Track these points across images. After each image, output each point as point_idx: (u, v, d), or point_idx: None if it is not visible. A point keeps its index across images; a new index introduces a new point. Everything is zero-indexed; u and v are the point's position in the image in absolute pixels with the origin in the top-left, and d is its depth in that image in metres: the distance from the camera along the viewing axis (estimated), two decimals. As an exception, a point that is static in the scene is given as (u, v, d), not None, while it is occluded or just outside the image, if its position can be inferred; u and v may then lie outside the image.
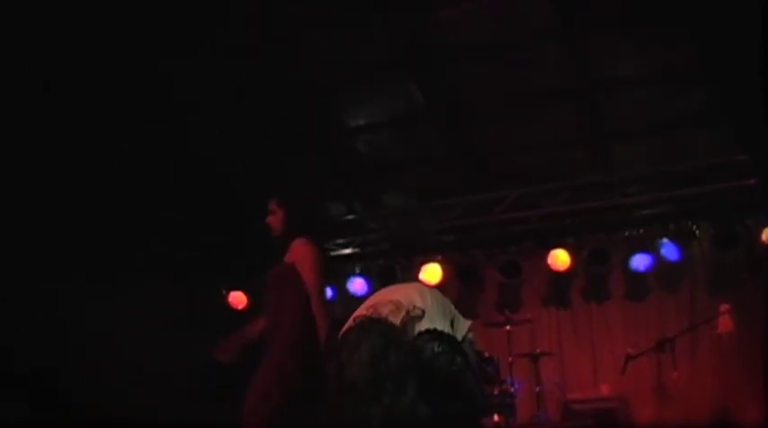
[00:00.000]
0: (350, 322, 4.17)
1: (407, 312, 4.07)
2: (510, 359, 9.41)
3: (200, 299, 11.36)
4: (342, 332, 4.23)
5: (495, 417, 8.78)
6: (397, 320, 4.02)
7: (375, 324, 4.01)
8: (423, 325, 4.05)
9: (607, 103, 9.47)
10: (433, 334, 3.96)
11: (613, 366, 9.91)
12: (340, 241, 11.55)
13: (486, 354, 9.02)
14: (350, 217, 11.41)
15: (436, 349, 3.88)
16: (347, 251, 11.48)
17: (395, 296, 4.29)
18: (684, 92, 8.95)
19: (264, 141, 9.75)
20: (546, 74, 9.02)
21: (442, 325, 4.01)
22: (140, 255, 9.77)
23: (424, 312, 4.02)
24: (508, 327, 9.59)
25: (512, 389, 9.00)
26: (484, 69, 9.10)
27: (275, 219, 6.26)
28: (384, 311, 4.08)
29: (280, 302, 6.02)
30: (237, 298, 11.84)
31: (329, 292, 11.19)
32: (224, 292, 11.82)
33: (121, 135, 8.90)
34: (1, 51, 7.42)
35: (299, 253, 6.03)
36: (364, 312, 4.18)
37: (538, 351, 9.64)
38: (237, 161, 9.96)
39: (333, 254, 11.61)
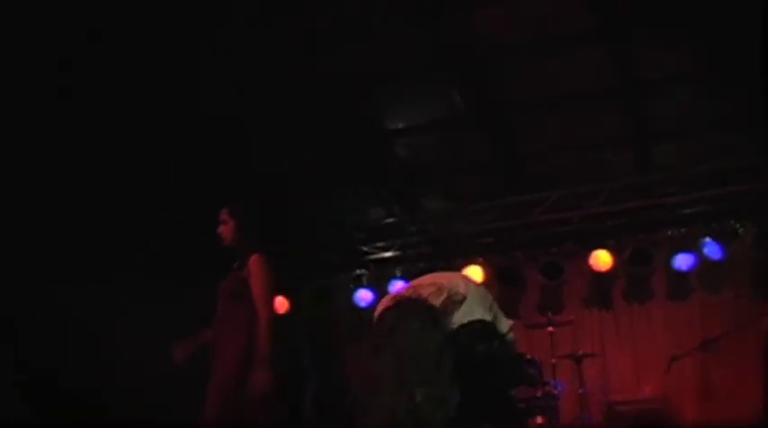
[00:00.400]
0: (389, 301, 4.20)
1: (449, 296, 4.12)
2: (553, 360, 9.38)
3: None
4: (379, 311, 4.25)
5: (539, 419, 8.74)
6: (437, 302, 4.07)
7: (414, 304, 4.06)
8: (464, 315, 4.10)
9: (649, 103, 9.41)
10: (473, 323, 4.00)
11: (656, 367, 9.85)
12: (380, 244, 11.58)
13: (529, 356, 8.99)
14: (390, 220, 11.42)
15: (474, 336, 3.92)
16: (388, 254, 11.50)
17: (438, 280, 4.35)
18: (726, 91, 8.88)
19: (304, 149, 9.77)
20: (587, 74, 8.97)
21: (482, 315, 4.05)
22: (176, 261, 9.83)
23: (465, 298, 4.07)
24: (550, 329, 9.55)
25: (555, 391, 8.96)
26: (524, 70, 9.08)
27: (226, 229, 6.29)
28: (425, 293, 4.14)
29: (229, 315, 6.04)
30: (279, 303, 11.90)
31: (370, 295, 11.25)
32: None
33: (151, 137, 8.97)
34: (18, 55, 7.48)
35: (253, 269, 6.05)
36: (405, 293, 4.23)
37: (580, 352, 9.59)
38: (278, 168, 9.99)
39: (373, 257, 11.65)
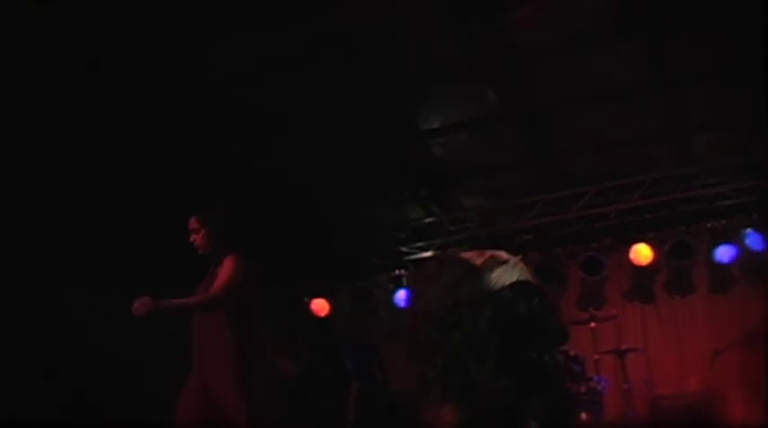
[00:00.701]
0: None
1: (491, 256, 4.17)
2: (596, 356, 9.35)
3: (285, 308, 11.49)
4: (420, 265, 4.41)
5: (584, 415, 8.73)
6: (478, 261, 4.13)
7: (452, 259, 4.13)
8: (505, 274, 4.16)
9: (687, 95, 9.34)
10: (515, 284, 4.07)
11: (700, 360, 9.82)
12: (419, 244, 11.59)
13: (572, 353, 8.99)
14: (429, 220, 11.43)
15: (516, 295, 3.98)
16: (427, 254, 11.50)
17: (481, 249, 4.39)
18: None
19: (340, 150, 9.79)
20: (623, 68, 8.92)
21: (525, 277, 4.10)
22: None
23: (507, 261, 4.12)
24: (593, 324, 9.53)
25: (599, 387, 8.95)
26: (560, 66, 9.04)
27: (198, 238, 6.19)
28: (465, 254, 4.20)
29: (210, 317, 5.94)
30: (320, 305, 11.97)
31: (404, 295, 11.30)
32: (306, 300, 11.94)
33: (203, 148, 9.04)
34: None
35: (225, 264, 6.00)
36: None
37: (623, 347, 9.55)
38: (316, 171, 10.02)
39: (412, 257, 11.66)
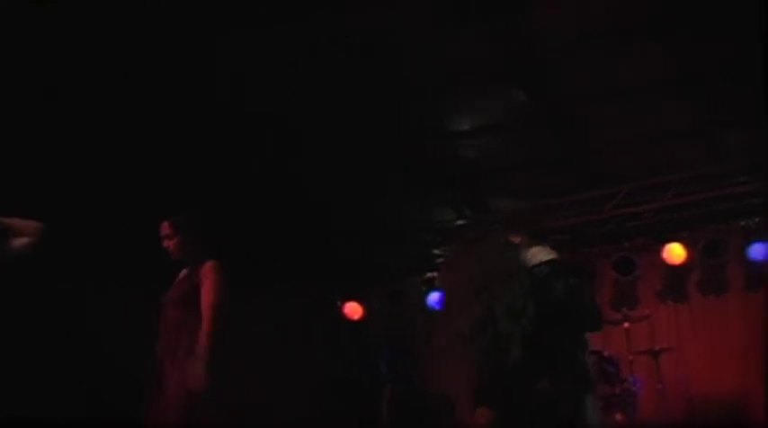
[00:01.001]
0: None
1: (527, 236, 4.25)
2: (630, 357, 9.34)
3: (317, 311, 11.52)
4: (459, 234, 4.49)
5: (618, 416, 8.71)
6: (515, 240, 4.21)
7: (493, 233, 4.23)
8: (541, 253, 4.24)
9: (717, 93, 9.28)
10: (550, 261, 4.14)
11: (735, 359, 9.77)
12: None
13: (606, 353, 8.97)
14: (460, 222, 11.43)
15: (551, 272, 4.05)
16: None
17: None
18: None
19: (371, 153, 9.81)
20: (653, 67, 8.88)
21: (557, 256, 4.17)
22: (258, 270, 9.91)
23: (542, 242, 4.19)
24: (626, 325, 9.52)
25: (633, 388, 8.92)
26: (588, 65, 9.01)
27: (171, 243, 6.18)
28: (503, 233, 4.29)
29: (183, 323, 5.94)
30: (353, 309, 11.99)
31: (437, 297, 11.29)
32: (339, 303, 11.97)
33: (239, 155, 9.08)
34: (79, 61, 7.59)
35: (205, 275, 5.99)
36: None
37: (657, 347, 9.52)
38: (347, 174, 10.04)
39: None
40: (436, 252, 11.71)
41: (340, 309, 11.96)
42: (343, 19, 7.87)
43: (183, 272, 6.20)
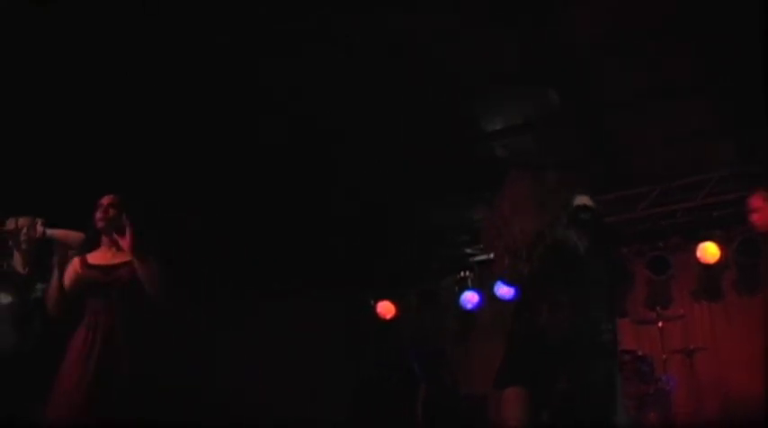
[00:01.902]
0: None
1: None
2: (664, 356, 9.30)
3: (351, 311, 11.57)
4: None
5: (652, 415, 8.69)
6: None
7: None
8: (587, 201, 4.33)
9: (747, 92, 9.25)
10: (585, 208, 4.25)
11: (771, 358, 9.71)
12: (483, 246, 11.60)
13: (640, 353, 8.95)
14: (492, 221, 11.41)
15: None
16: (492, 255, 11.49)
17: None
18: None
19: (403, 153, 9.84)
20: (683, 66, 8.87)
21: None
22: (293, 272, 9.98)
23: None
24: (660, 324, 9.48)
25: (667, 387, 8.90)
26: (620, 65, 9.01)
27: (106, 217, 5.92)
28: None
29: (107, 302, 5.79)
30: (386, 308, 12.03)
31: (476, 297, 11.31)
32: (372, 303, 12.01)
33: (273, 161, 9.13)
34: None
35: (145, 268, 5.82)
36: None
37: (692, 346, 9.49)
38: (379, 175, 10.08)
39: (477, 258, 11.67)
40: (469, 251, 11.71)
41: (373, 309, 11.99)
42: (379, 20, 7.92)
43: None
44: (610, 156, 10.35)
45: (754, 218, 6.67)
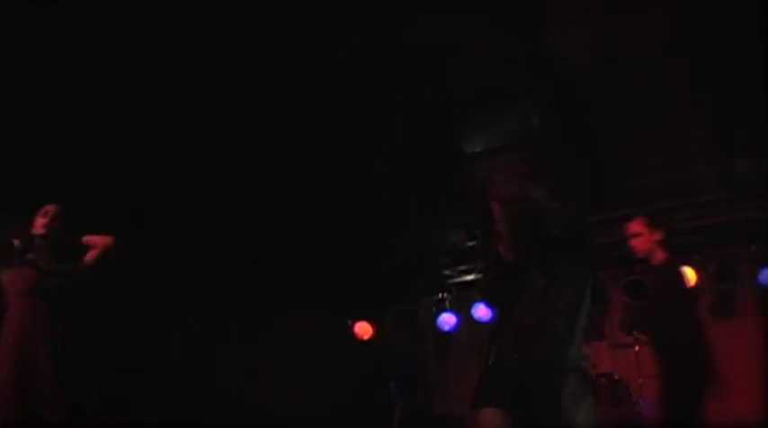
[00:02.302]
0: None
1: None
2: (639, 380, 9.31)
3: (329, 330, 11.54)
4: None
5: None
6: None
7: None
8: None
9: (732, 117, 9.34)
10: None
11: (748, 382, 9.74)
12: (462, 268, 11.61)
13: (616, 376, 8.97)
14: (471, 244, 11.45)
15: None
16: (470, 277, 11.52)
17: None
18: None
19: (386, 173, 9.85)
20: (669, 91, 8.95)
21: None
22: (272, 289, 9.95)
23: None
24: (637, 348, 9.49)
25: (643, 411, 8.91)
26: (606, 88, 9.09)
27: (48, 224, 6.29)
28: None
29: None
30: (363, 329, 12.00)
31: (453, 319, 11.31)
32: (350, 323, 11.99)
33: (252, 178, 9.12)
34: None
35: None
36: None
37: (667, 372, 9.48)
38: (361, 195, 10.08)
39: (456, 280, 11.68)
40: (447, 273, 11.72)
41: (350, 329, 11.97)
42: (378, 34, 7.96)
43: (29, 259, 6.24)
44: (591, 180, 10.39)
45: (634, 242, 6.73)
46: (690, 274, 10.25)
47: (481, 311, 11.11)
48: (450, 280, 11.77)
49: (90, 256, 6.33)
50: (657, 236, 6.70)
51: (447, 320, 11.56)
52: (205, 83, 8.06)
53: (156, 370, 8.79)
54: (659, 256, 6.74)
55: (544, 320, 4.35)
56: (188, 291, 9.33)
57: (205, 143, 8.68)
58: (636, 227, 6.78)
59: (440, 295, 11.82)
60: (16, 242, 6.20)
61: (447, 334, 11.64)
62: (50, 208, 6.30)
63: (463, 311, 11.37)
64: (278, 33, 7.78)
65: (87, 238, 6.37)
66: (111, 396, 8.46)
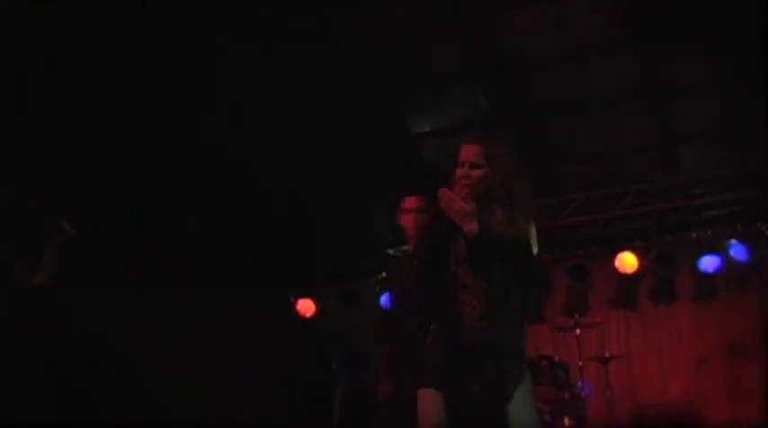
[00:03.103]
0: None
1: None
2: (579, 363, 9.43)
3: (273, 308, 11.51)
4: None
5: (566, 421, 8.79)
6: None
7: None
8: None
9: (676, 106, 9.46)
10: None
11: (683, 368, 9.93)
12: (406, 247, 11.59)
13: (557, 359, 9.06)
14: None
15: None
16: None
17: None
18: (754, 94, 8.91)
19: (331, 152, 9.84)
20: (615, 78, 9.03)
21: None
22: (213, 268, 9.91)
23: None
24: (578, 331, 9.60)
25: (582, 393, 9.03)
26: (552, 74, 9.14)
27: None
28: None
29: None
30: (306, 306, 11.99)
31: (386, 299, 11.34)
32: (292, 300, 11.96)
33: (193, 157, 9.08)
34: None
35: None
36: None
37: (607, 354, 9.61)
38: (306, 172, 10.05)
39: (398, 264, 11.69)
40: (391, 252, 11.73)
41: (293, 306, 11.94)
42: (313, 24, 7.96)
43: None
44: (536, 164, 10.45)
45: (403, 219, 6.19)
46: (631, 260, 10.41)
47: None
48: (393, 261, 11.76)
49: None
50: None
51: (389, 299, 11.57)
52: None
53: (97, 357, 8.72)
54: None
55: (488, 302, 4.40)
56: (129, 273, 9.26)
57: (140, 129, 8.63)
58: (409, 203, 6.25)
59: (383, 274, 11.81)
60: None
61: (389, 312, 11.65)
62: None
63: (403, 293, 11.39)
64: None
65: None
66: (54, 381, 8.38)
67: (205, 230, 10.00)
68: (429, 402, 4.39)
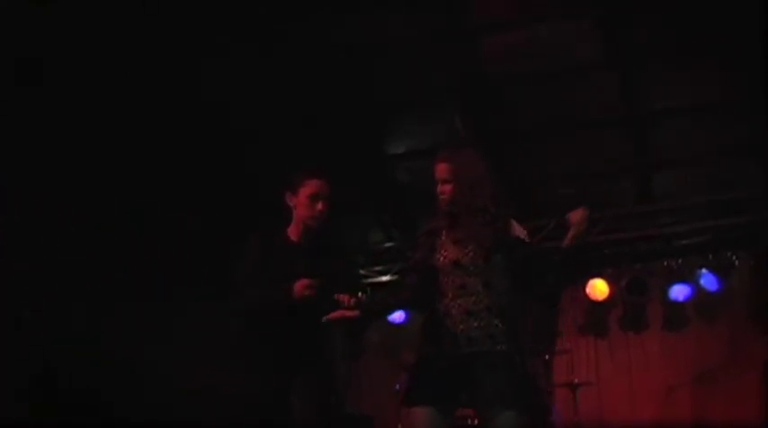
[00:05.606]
0: None
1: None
2: (548, 389, 9.40)
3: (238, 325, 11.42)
4: None
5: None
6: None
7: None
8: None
9: (649, 133, 9.48)
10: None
11: (652, 396, 9.92)
12: (378, 268, 11.59)
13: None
14: (388, 244, 11.45)
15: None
16: (385, 278, 11.51)
17: None
18: (727, 123, 8.96)
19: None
20: (588, 104, 9.05)
21: None
22: (186, 272, 9.85)
23: None
24: (546, 357, 9.58)
25: (551, 419, 8.99)
26: (527, 98, 9.15)
27: None
28: None
29: None
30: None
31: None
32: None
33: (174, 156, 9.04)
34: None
35: None
36: None
37: (576, 381, 9.59)
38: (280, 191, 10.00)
39: (371, 280, 11.65)
40: (363, 272, 11.70)
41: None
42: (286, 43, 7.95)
43: None
44: (509, 187, 10.45)
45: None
46: (601, 287, 10.42)
47: (396, 314, 11.08)
48: (365, 280, 11.73)
49: None
50: None
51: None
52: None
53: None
54: None
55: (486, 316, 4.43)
56: (101, 278, 9.19)
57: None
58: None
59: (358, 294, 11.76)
60: None
61: (359, 333, 11.60)
62: None
63: (377, 312, 11.33)
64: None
65: None
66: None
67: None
68: (421, 420, 4.40)
